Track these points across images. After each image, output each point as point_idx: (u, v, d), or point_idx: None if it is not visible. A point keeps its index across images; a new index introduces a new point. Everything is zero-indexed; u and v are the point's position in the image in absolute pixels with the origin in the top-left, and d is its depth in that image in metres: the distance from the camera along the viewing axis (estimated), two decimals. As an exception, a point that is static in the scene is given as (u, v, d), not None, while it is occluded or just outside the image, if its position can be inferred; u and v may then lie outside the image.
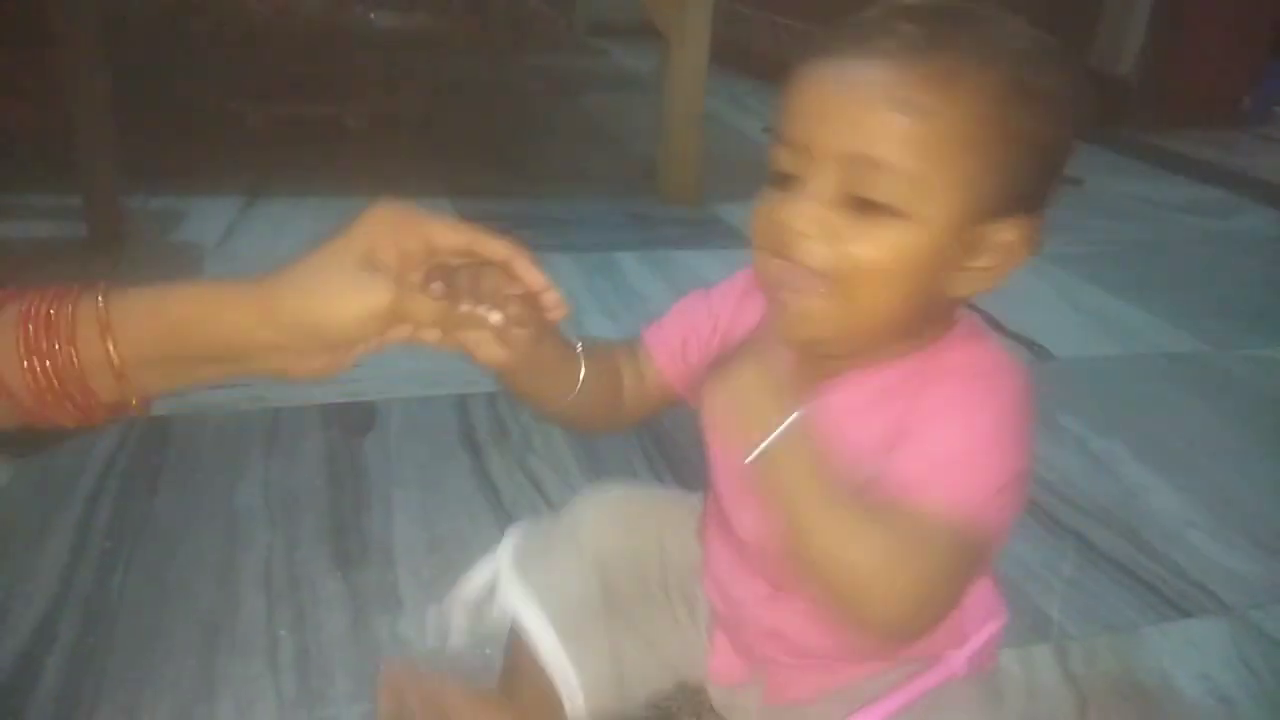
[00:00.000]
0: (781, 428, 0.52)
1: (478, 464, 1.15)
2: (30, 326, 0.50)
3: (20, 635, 0.84)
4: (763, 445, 0.52)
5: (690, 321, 0.71)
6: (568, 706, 0.69)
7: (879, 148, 0.51)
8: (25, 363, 0.49)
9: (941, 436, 0.55)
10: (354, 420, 1.22)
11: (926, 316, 0.57)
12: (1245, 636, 0.98)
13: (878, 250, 0.53)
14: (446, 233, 0.56)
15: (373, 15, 2.59)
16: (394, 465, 1.14)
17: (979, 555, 0.56)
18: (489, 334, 0.57)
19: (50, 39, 1.52)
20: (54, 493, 1.03)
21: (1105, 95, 3.31)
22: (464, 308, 0.55)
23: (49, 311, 0.50)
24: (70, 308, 0.50)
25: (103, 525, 0.99)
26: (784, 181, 0.55)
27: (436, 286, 0.54)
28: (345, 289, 0.52)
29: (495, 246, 0.56)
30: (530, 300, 0.57)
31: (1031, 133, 0.53)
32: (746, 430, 0.53)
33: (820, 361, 0.59)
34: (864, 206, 0.52)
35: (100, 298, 0.51)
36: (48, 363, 0.50)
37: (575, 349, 0.65)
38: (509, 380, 0.62)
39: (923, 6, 0.54)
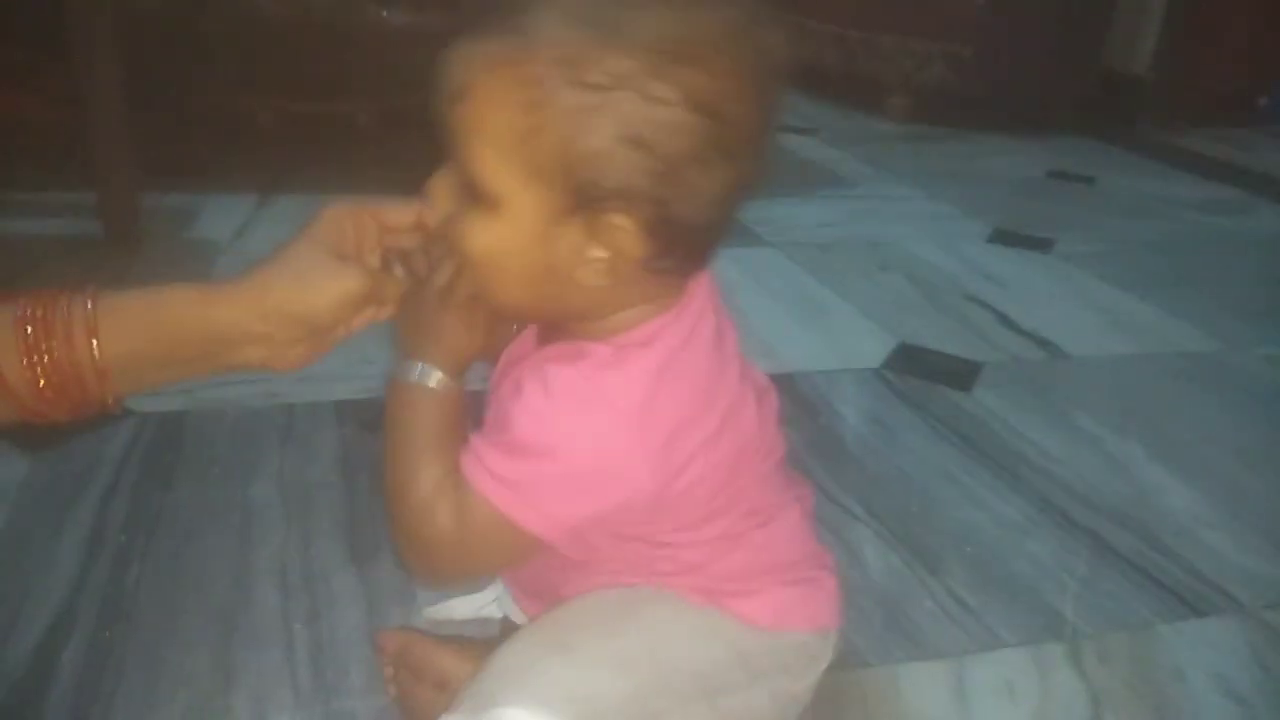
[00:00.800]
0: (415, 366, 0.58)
1: (491, 460, 1.15)
2: (29, 327, 0.52)
3: (38, 628, 0.85)
4: (415, 362, 0.58)
5: None
6: None
7: (457, 136, 0.53)
8: (25, 360, 0.52)
9: (516, 423, 0.56)
10: (367, 416, 1.22)
11: (586, 302, 0.57)
12: (1260, 636, 0.97)
13: (475, 240, 0.55)
14: (395, 213, 0.63)
15: (385, 13, 2.60)
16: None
17: (511, 540, 0.57)
18: None
19: (65, 37, 1.52)
20: (70, 487, 1.04)
21: (1119, 94, 3.30)
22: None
23: (43, 313, 0.53)
24: (64, 309, 0.53)
25: (119, 519, 1.00)
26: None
27: (399, 270, 0.62)
28: (325, 277, 0.57)
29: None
30: None
31: (598, 125, 0.49)
32: (413, 342, 0.59)
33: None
34: (466, 191, 0.54)
35: (89, 301, 0.54)
36: (46, 359, 0.52)
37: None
38: None
39: None
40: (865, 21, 3.24)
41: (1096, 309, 1.81)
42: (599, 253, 0.53)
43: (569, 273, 0.54)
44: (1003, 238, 2.13)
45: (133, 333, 0.55)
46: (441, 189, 0.57)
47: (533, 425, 0.55)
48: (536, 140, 0.50)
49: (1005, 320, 1.70)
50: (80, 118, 1.59)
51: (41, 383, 0.52)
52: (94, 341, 0.53)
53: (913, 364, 1.49)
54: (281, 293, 0.57)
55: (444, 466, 0.57)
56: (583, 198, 0.51)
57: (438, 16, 3.32)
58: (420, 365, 0.58)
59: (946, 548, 1.06)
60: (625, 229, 0.52)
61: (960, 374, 1.47)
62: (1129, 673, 0.91)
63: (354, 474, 1.11)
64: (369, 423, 1.21)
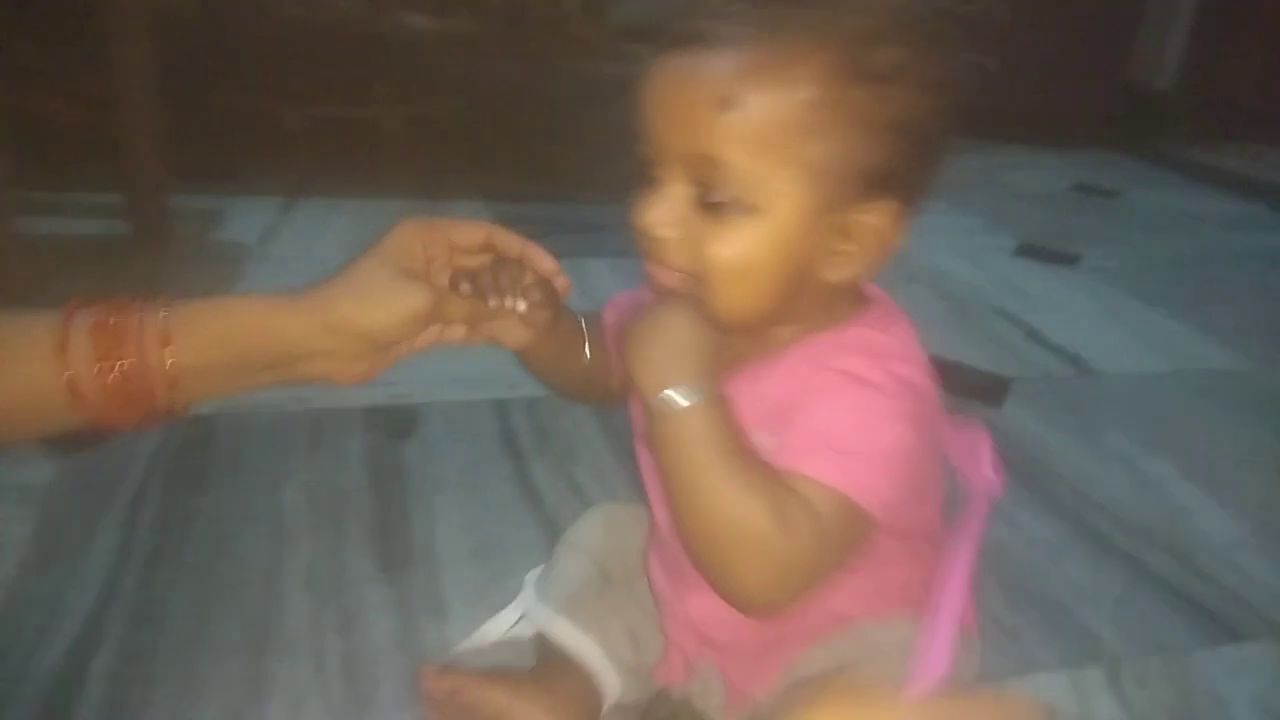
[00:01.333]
0: (689, 379, 0.53)
1: (520, 470, 1.15)
2: (102, 334, 0.53)
3: (68, 635, 0.84)
4: (677, 389, 0.53)
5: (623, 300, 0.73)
6: (604, 683, 0.75)
7: (714, 147, 0.51)
8: (98, 367, 0.52)
9: (830, 411, 0.54)
10: (396, 423, 1.22)
11: (814, 300, 0.57)
12: (1301, 663, 0.96)
13: (732, 249, 0.53)
14: (465, 232, 0.63)
15: (408, 18, 2.61)
16: (436, 469, 1.13)
17: (858, 531, 0.55)
18: (512, 320, 0.63)
19: (101, 39, 1.53)
20: (99, 491, 1.04)
21: (1144, 108, 3.28)
22: (493, 302, 0.62)
23: (116, 320, 0.53)
24: (137, 318, 0.54)
25: (148, 524, 0.99)
26: (651, 183, 0.55)
27: (465, 288, 0.61)
28: (390, 294, 0.57)
29: (509, 240, 0.63)
30: (544, 284, 0.63)
31: (877, 115, 0.51)
32: (663, 370, 0.53)
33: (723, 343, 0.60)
34: (713, 205, 0.52)
35: (163, 310, 0.55)
36: (119, 366, 0.53)
37: (580, 323, 0.69)
38: (529, 359, 0.68)
39: None
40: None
41: (1125, 325, 1.80)
42: (849, 245, 0.54)
43: (815, 270, 0.55)
44: (1029, 251, 2.12)
45: (203, 343, 0.55)
46: (667, 209, 0.54)
47: (864, 411, 0.54)
48: (815, 139, 0.50)
49: (1034, 335, 1.69)
50: (111, 119, 1.59)
51: (113, 390, 0.53)
52: (166, 350, 0.54)
53: (942, 378, 1.47)
54: (347, 308, 0.57)
55: (770, 481, 0.52)
56: (850, 191, 0.52)
57: (462, 22, 3.33)
58: (690, 389, 0.53)
59: (982, 567, 1.04)
60: (890, 215, 0.54)
61: (990, 389, 1.46)
62: (1169, 698, 0.90)
63: (383, 481, 1.10)
64: (397, 429, 1.21)
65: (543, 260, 0.63)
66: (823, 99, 0.50)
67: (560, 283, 0.64)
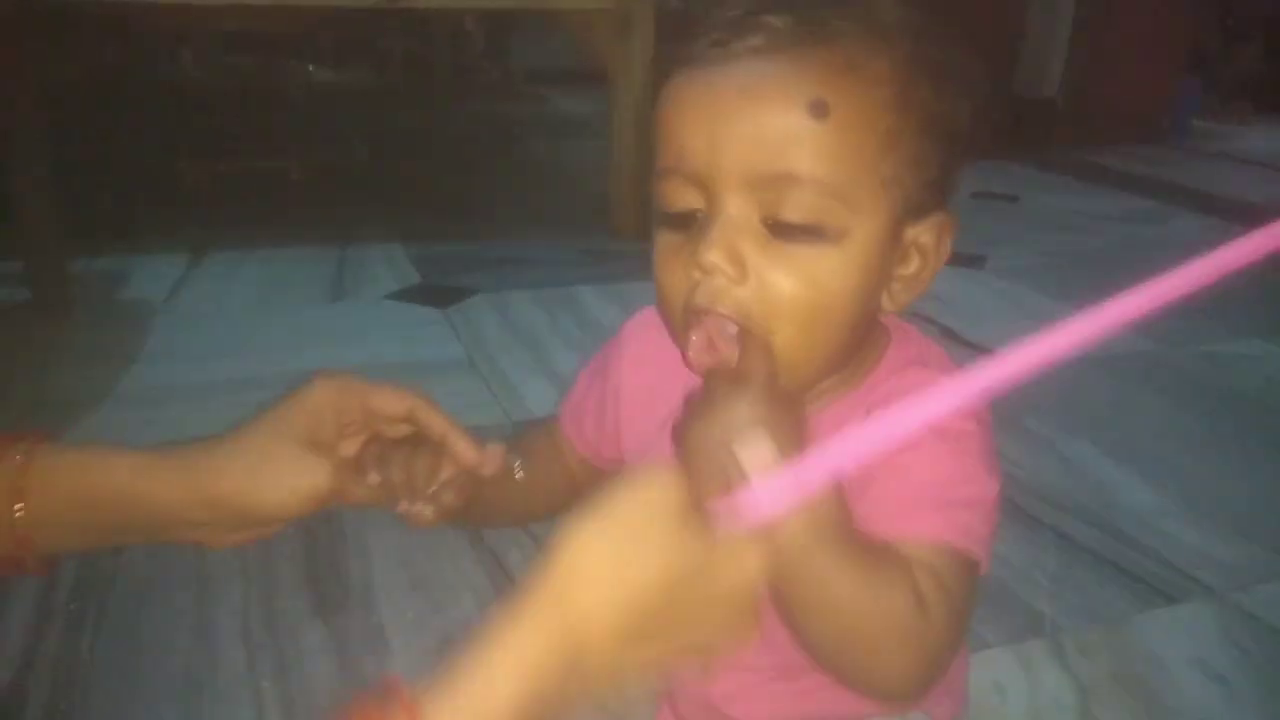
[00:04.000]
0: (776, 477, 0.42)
1: (454, 501, 1.13)
2: None
3: (-14, 707, 0.80)
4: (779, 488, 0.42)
5: (585, 391, 0.65)
6: None
7: (794, 161, 0.44)
8: None
9: (927, 465, 0.48)
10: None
11: (864, 339, 0.51)
12: (1232, 618, 0.99)
13: (811, 281, 0.45)
14: (387, 400, 0.55)
15: (311, 68, 2.59)
16: (369, 508, 1.11)
17: (974, 583, 0.49)
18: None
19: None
20: (12, 558, 0.99)
21: (1033, 117, 3.42)
22: (402, 506, 0.54)
23: None
24: None
25: (68, 585, 0.95)
26: (680, 221, 0.47)
27: (373, 478, 0.53)
28: (285, 472, 0.51)
29: (432, 421, 0.55)
30: (463, 477, 0.55)
31: (942, 115, 0.47)
32: (738, 479, 0.42)
33: None
34: (785, 231, 0.45)
35: (20, 456, 0.50)
36: None
37: (515, 474, 0.61)
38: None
39: None
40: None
41: (1033, 318, 1.81)
42: (907, 267, 0.49)
43: (877, 301, 0.49)
44: (938, 257, 2.17)
45: (60, 501, 0.50)
46: (730, 242, 0.45)
47: (960, 459, 0.49)
48: (892, 146, 0.45)
49: (949, 333, 1.73)
50: (4, 186, 1.54)
51: None
52: (17, 506, 0.49)
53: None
54: (231, 482, 0.50)
55: (891, 557, 0.45)
56: (914, 205, 0.47)
57: (364, 73, 3.33)
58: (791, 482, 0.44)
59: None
60: (944, 229, 0.49)
61: (913, 387, 1.48)
62: (1111, 663, 0.92)
63: (312, 524, 1.07)
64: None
65: (466, 451, 0.55)
66: (901, 100, 0.45)
67: (487, 469, 0.55)
